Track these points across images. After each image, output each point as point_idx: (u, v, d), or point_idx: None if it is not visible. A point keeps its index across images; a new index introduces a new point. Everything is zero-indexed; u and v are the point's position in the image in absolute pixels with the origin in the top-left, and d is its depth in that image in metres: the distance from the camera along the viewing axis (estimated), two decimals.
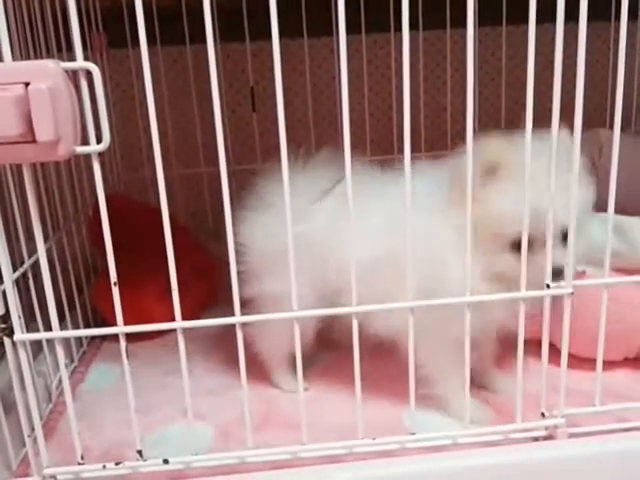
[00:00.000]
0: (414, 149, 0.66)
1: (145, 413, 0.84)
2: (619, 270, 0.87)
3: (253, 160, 1.39)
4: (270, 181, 0.84)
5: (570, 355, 0.75)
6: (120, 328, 0.68)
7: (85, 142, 0.62)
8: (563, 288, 0.71)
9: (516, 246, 0.73)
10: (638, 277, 0.82)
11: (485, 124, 1.37)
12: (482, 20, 1.23)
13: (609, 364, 0.89)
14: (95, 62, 0.61)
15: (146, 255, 1.01)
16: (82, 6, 1.17)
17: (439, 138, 1.41)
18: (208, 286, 1.19)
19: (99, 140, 0.62)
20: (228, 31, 1.25)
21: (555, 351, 0.76)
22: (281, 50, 0.62)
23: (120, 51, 1.29)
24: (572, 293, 0.72)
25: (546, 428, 0.76)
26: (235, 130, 1.43)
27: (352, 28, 0.66)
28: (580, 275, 0.87)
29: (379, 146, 1.38)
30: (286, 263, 0.68)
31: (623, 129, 0.70)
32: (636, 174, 1.08)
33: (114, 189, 1.32)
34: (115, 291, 0.67)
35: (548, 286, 0.72)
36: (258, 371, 0.94)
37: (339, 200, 0.75)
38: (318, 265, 0.84)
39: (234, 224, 0.68)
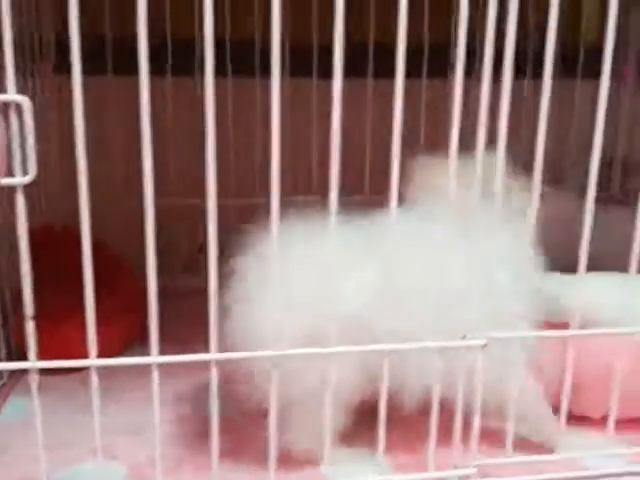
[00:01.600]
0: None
1: (56, 450, 0.81)
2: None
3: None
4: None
5: None
6: (32, 363, 0.67)
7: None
8: (477, 339, 0.73)
9: None
10: (555, 332, 0.81)
11: None
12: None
13: None
14: None
15: (74, 285, 0.99)
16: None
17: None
18: (137, 320, 1.17)
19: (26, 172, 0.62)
20: None
21: None
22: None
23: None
24: (486, 345, 0.73)
25: (459, 478, 0.77)
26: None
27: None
28: None
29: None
30: None
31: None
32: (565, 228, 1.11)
33: (53, 218, 1.29)
34: (30, 325, 0.66)
35: (463, 337, 0.73)
36: (178, 412, 0.93)
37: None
38: None
39: None
